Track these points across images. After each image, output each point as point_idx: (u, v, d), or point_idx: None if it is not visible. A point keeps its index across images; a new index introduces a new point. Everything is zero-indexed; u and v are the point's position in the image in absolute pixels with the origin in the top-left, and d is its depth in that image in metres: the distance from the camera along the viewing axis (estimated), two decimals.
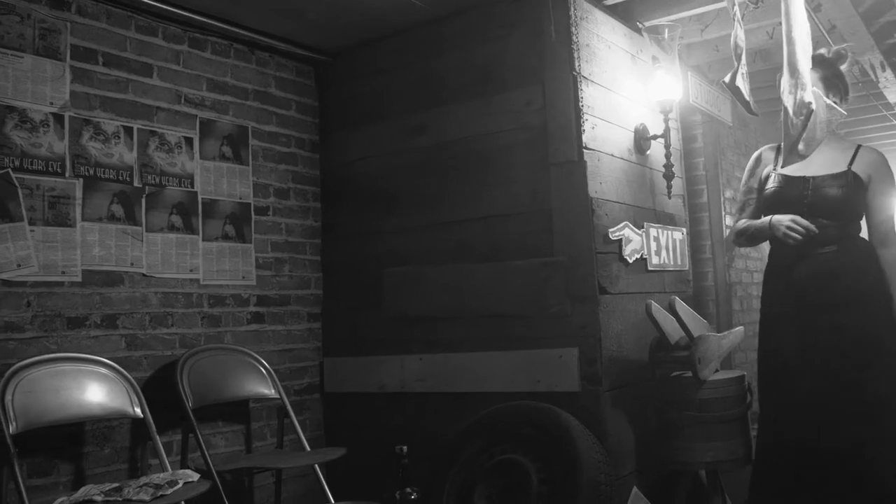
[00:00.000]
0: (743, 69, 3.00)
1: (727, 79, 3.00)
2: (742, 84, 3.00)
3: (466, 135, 3.66)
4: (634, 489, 3.22)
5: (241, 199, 3.75)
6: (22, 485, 2.58)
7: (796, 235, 2.83)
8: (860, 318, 2.80)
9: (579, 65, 3.37)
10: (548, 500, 2.86)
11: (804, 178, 2.94)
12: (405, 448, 2.44)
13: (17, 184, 2.95)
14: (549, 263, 3.34)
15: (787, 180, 2.98)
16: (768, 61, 4.35)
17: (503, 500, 3.01)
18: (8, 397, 2.71)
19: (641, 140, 3.73)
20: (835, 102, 2.98)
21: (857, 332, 2.79)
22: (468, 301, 3.56)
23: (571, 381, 3.25)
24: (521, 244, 3.46)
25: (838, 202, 2.88)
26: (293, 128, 4.07)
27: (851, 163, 2.94)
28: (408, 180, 3.86)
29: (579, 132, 3.32)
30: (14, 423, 2.68)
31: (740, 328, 3.65)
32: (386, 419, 3.79)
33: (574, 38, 3.37)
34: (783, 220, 2.88)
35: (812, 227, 2.82)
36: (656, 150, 3.81)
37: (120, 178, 3.27)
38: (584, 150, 3.31)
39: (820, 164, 2.96)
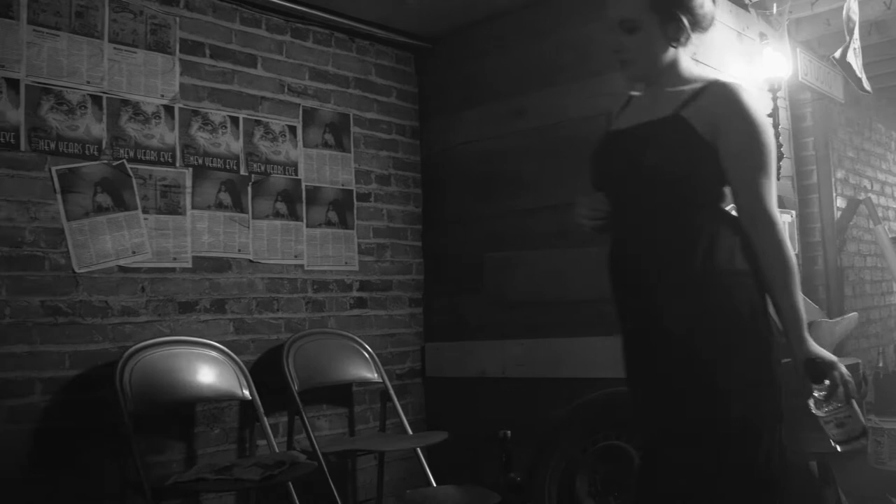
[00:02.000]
0: (855, 44, 2.87)
1: (837, 54, 2.87)
2: (853, 60, 2.86)
3: (567, 117, 3.61)
4: None
5: (343, 185, 3.81)
6: (140, 461, 2.69)
7: (584, 221, 2.12)
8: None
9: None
10: None
11: (619, 132, 2.06)
12: (509, 433, 2.44)
13: (131, 174, 3.06)
14: None
15: (605, 139, 2.13)
16: (885, 34, 4.14)
17: (606, 486, 2.98)
18: (126, 378, 2.82)
19: None
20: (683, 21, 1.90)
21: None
22: (570, 286, 3.52)
23: None
24: None
25: (648, 170, 1.91)
26: (394, 114, 4.10)
27: (685, 105, 1.88)
28: (508, 164, 3.84)
29: None
30: (132, 403, 2.80)
31: (854, 314, 3.50)
32: (486, 404, 3.79)
33: None
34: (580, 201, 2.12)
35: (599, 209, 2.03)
36: None
37: (227, 166, 3.36)
38: None
39: (646, 110, 1.98)
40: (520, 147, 3.80)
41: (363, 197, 3.90)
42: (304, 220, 3.62)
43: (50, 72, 2.88)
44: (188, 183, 3.23)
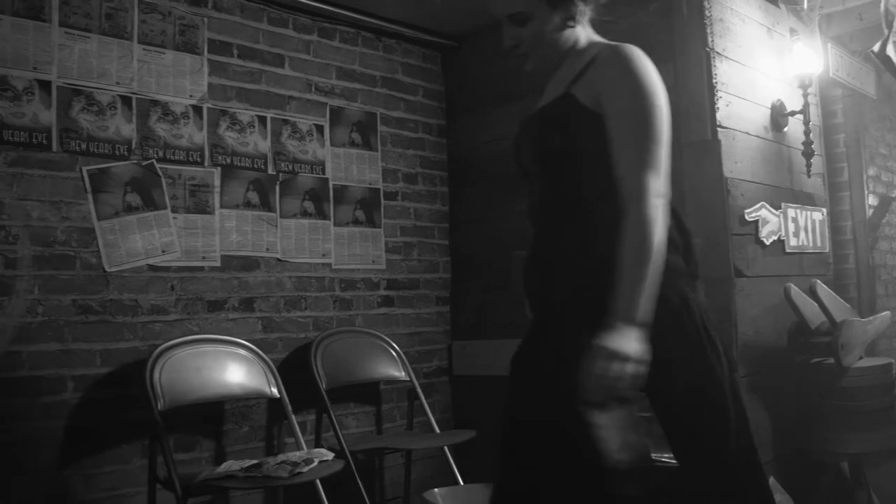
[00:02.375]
0: (895, 37, 2.81)
1: (876, 48, 2.82)
2: (893, 53, 2.80)
3: None
4: (771, 479, 3.11)
5: (370, 184, 3.82)
6: (170, 458, 2.71)
7: None
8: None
9: (712, 40, 3.26)
10: None
11: (526, 118, 1.93)
12: None
13: (160, 173, 3.09)
14: None
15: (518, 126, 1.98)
16: None
17: None
18: (156, 376, 2.85)
19: (778, 117, 3.58)
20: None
21: None
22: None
23: None
24: None
25: (543, 156, 1.81)
26: (420, 113, 4.10)
27: (575, 80, 1.76)
28: None
29: (713, 110, 3.21)
30: (161, 401, 2.82)
31: (886, 313, 3.46)
32: None
33: (707, 12, 3.25)
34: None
35: None
36: (794, 127, 3.65)
37: (255, 165, 3.38)
38: (718, 129, 3.20)
39: (549, 93, 1.88)
40: None
41: (390, 195, 3.91)
42: (332, 219, 3.63)
43: (81, 73, 2.91)
44: (217, 182, 3.25)
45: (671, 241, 1.71)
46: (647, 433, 1.62)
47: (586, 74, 1.74)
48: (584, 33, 1.86)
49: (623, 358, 1.53)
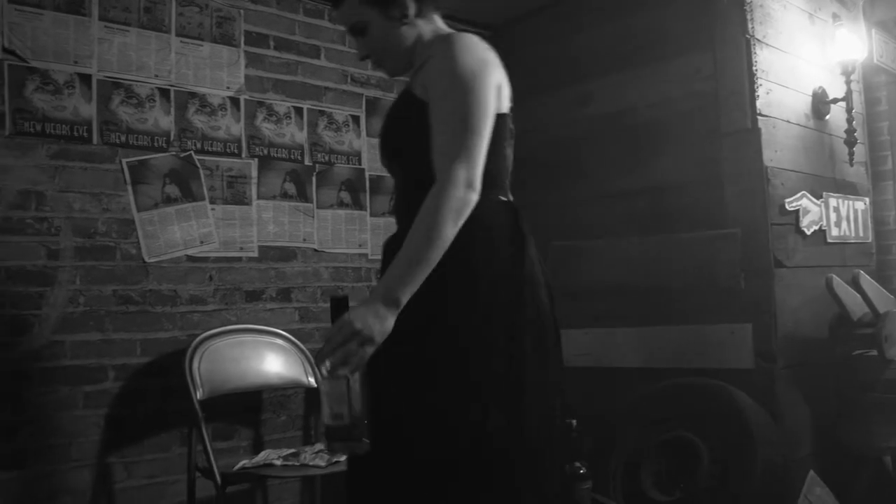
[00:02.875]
0: None
1: None
2: None
3: (632, 104, 3.57)
4: (811, 473, 3.07)
5: None
6: (209, 447, 2.74)
7: None
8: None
9: (752, 27, 3.21)
10: (720, 480, 2.77)
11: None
12: (574, 422, 2.42)
13: (198, 165, 3.12)
14: (721, 236, 3.21)
15: None
16: None
17: (672, 478, 2.94)
18: (195, 366, 2.88)
19: (820, 104, 3.52)
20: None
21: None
22: (634, 275, 3.48)
23: (744, 358, 3.12)
24: (690, 216, 3.35)
25: (388, 153, 1.85)
26: None
27: (415, 75, 1.79)
28: (571, 152, 3.81)
29: (753, 98, 3.17)
30: (200, 390, 2.85)
31: None
32: None
33: None
34: None
35: None
36: (836, 115, 3.58)
37: (291, 157, 3.40)
38: (759, 117, 3.16)
39: None
40: (585, 135, 3.76)
41: None
42: (368, 210, 3.64)
43: (120, 66, 2.94)
44: (254, 173, 3.28)
45: (498, 239, 1.70)
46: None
47: (423, 68, 1.73)
48: (428, 27, 1.86)
49: (364, 338, 1.51)
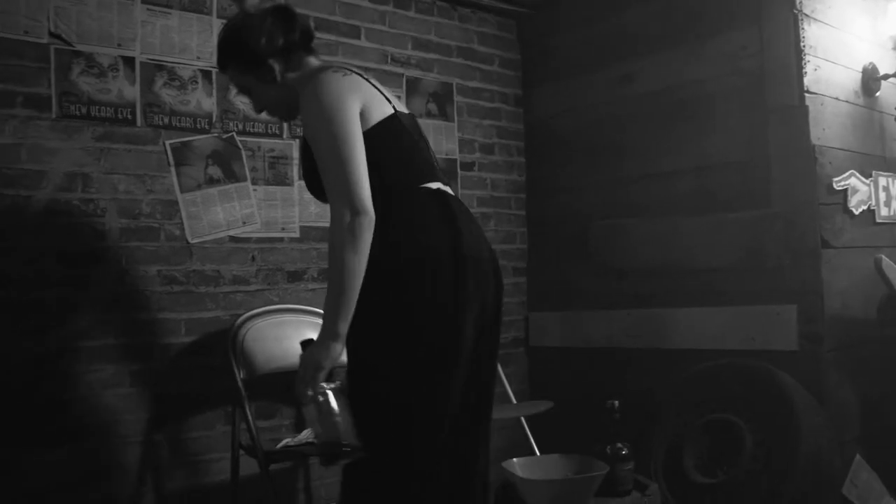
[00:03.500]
0: None
1: None
2: None
3: (676, 83, 3.52)
4: (857, 457, 3.02)
5: (447, 155, 3.81)
6: (252, 425, 2.78)
7: None
8: None
9: (800, 2, 3.14)
10: (763, 463, 2.74)
11: None
12: (617, 402, 2.41)
13: (240, 146, 3.14)
14: (767, 216, 3.16)
15: None
16: None
17: (714, 461, 2.92)
18: (238, 345, 2.91)
19: (870, 81, 3.43)
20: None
21: None
22: (678, 255, 3.44)
23: (789, 340, 3.08)
24: (734, 196, 3.30)
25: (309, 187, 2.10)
26: (496, 83, 4.07)
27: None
28: (614, 132, 3.77)
29: (800, 75, 3.10)
30: (244, 369, 2.88)
31: None
32: (591, 374, 3.77)
33: None
34: None
35: None
36: (887, 92, 3.50)
37: None
38: (806, 94, 3.09)
39: None
40: (627, 113, 3.72)
41: (467, 166, 3.90)
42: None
43: (163, 49, 2.97)
44: (295, 154, 3.29)
45: (425, 224, 1.89)
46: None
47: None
48: (302, 74, 2.04)
49: (318, 367, 1.79)
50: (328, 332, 1.79)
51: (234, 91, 3.08)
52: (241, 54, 2.03)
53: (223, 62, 2.08)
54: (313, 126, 1.87)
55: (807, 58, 3.12)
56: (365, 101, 1.92)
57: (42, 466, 2.64)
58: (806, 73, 3.11)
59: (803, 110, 3.09)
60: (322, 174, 1.85)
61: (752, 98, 3.25)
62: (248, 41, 2.01)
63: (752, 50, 3.26)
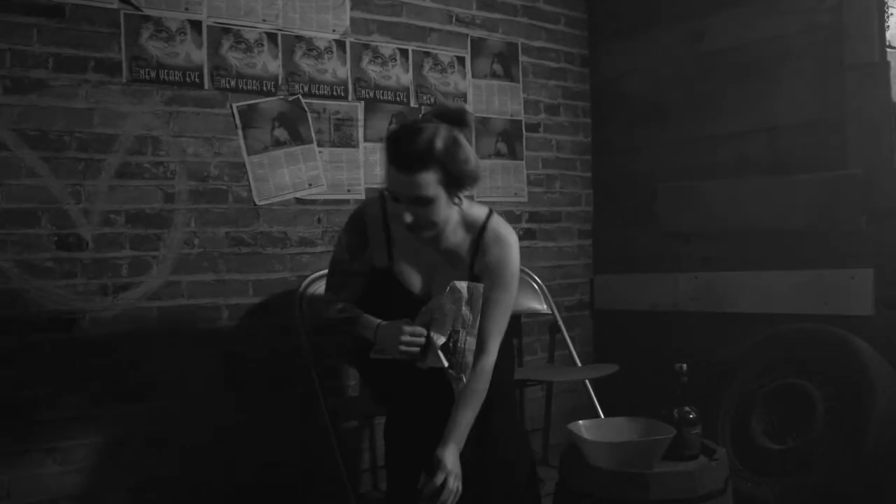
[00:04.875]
0: None
1: None
2: None
3: (749, 39, 3.41)
4: None
5: (512, 116, 3.77)
6: (318, 384, 2.82)
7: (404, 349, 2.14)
8: None
9: None
10: (836, 429, 2.68)
11: (407, 291, 2.34)
12: (685, 366, 2.37)
13: (306, 108, 3.15)
14: (842, 177, 3.07)
15: (383, 276, 2.40)
16: None
17: (784, 426, 2.86)
18: (304, 306, 2.94)
19: None
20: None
21: None
22: (748, 217, 3.37)
23: (864, 305, 3.00)
24: (808, 156, 3.21)
25: None
26: (562, 42, 4.00)
27: (472, 265, 2.32)
28: (682, 91, 3.69)
29: (882, 29, 2.98)
30: (310, 329, 2.91)
31: None
32: (656, 338, 3.73)
33: None
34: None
35: None
36: None
37: (397, 98, 3.40)
38: (887, 50, 2.98)
39: (429, 263, 2.35)
40: (697, 72, 3.63)
41: (532, 127, 3.85)
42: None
43: (229, 12, 2.98)
44: (360, 116, 3.29)
45: None
46: None
47: (481, 259, 2.25)
48: (464, 208, 2.25)
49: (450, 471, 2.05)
50: (459, 440, 2.10)
51: (298, 54, 3.09)
52: (453, 167, 2.06)
53: (427, 165, 2.04)
54: (509, 283, 2.24)
55: (889, 11, 3.00)
56: None
57: (122, 419, 2.74)
58: (888, 27, 2.99)
59: (884, 67, 2.98)
60: (491, 322, 2.20)
61: (828, 55, 3.14)
62: (466, 159, 2.09)
63: (829, 4, 3.14)
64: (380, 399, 2.42)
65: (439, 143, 2.04)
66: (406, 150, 2.04)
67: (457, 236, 2.25)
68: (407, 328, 2.08)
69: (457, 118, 2.12)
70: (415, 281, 2.27)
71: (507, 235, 2.26)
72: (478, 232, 2.25)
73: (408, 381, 2.17)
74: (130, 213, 2.78)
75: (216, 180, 2.95)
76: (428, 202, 2.06)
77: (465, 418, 2.10)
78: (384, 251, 2.28)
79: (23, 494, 2.57)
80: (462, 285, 2.11)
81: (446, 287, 2.12)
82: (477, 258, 2.24)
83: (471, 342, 2.13)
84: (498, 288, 2.21)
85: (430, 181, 2.04)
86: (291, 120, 3.11)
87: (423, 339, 2.09)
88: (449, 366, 2.11)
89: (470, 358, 2.13)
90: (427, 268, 2.27)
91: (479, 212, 2.29)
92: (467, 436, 2.12)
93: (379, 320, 2.17)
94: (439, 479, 2.01)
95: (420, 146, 2.03)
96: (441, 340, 2.09)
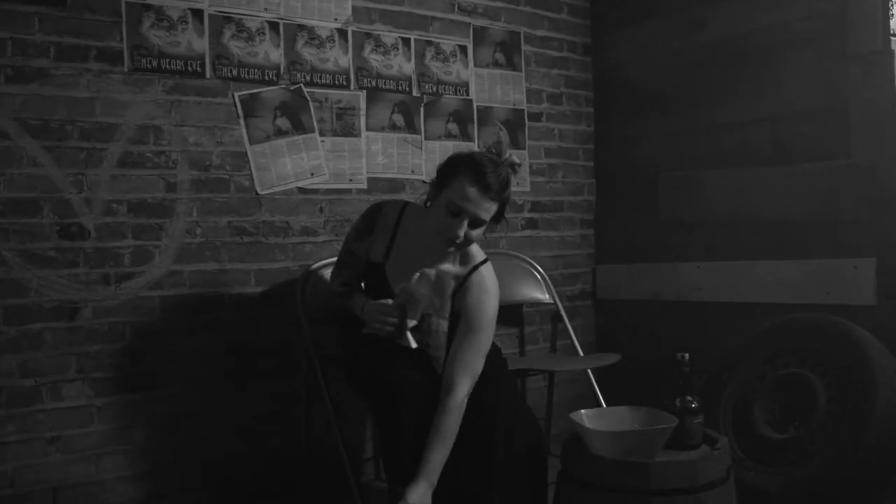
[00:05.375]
0: None
1: None
2: None
3: (751, 28, 3.40)
4: None
5: (514, 105, 3.76)
6: (320, 374, 2.82)
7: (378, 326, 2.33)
8: None
9: None
10: (838, 419, 2.68)
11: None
12: (687, 355, 2.37)
13: (308, 97, 3.15)
14: (845, 166, 3.06)
15: (377, 271, 2.57)
16: None
17: (786, 416, 2.87)
18: (307, 295, 2.94)
19: None
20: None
21: None
22: (750, 207, 3.36)
23: (867, 294, 2.99)
24: (811, 145, 3.20)
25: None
26: (564, 31, 3.99)
27: (453, 296, 2.46)
28: (685, 80, 3.68)
29: (885, 17, 2.97)
30: (311, 318, 2.91)
31: None
32: (659, 327, 3.73)
33: None
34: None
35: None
36: None
37: (399, 88, 3.39)
38: (892, 38, 2.97)
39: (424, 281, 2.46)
40: (699, 61, 3.62)
41: (534, 117, 3.84)
42: (476, 141, 3.61)
43: (230, 1, 2.97)
44: (362, 105, 3.29)
45: None
46: None
47: (462, 295, 2.38)
48: None
49: None
50: (430, 478, 2.17)
51: (300, 42, 3.09)
52: (504, 207, 2.35)
53: (500, 198, 2.30)
54: (483, 327, 2.34)
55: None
56: None
57: (124, 408, 2.74)
58: (893, 14, 2.99)
59: (888, 55, 2.97)
60: (460, 363, 2.28)
61: (831, 43, 3.13)
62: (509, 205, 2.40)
63: None
64: (359, 389, 2.51)
65: (511, 185, 2.32)
66: (494, 180, 2.25)
67: (453, 264, 2.41)
68: (383, 309, 2.27)
69: (512, 166, 2.34)
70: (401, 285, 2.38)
71: (491, 285, 2.40)
72: (469, 270, 2.40)
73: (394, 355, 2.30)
74: (132, 203, 2.78)
75: (218, 170, 2.95)
76: (481, 224, 2.30)
77: (437, 456, 2.18)
78: (384, 247, 2.44)
79: (25, 483, 2.58)
80: (430, 271, 2.28)
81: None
82: (458, 294, 2.39)
83: (443, 324, 2.34)
84: (471, 331, 2.33)
85: (493, 210, 2.29)
86: (293, 109, 3.11)
87: (395, 321, 2.25)
88: (424, 346, 2.31)
89: (443, 340, 2.36)
90: None
91: (478, 253, 2.45)
92: (465, 406, 2.25)
93: (368, 299, 2.37)
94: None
95: (503, 180, 2.28)
96: (412, 323, 2.25)
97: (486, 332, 2.35)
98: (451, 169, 2.30)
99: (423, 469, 2.16)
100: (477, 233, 2.31)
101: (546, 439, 3.69)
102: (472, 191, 2.23)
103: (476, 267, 2.40)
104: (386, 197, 3.31)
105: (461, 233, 2.26)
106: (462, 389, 2.24)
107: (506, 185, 2.29)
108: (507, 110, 3.73)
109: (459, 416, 2.22)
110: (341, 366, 2.62)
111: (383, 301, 2.30)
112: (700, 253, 3.59)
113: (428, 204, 2.38)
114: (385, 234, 2.44)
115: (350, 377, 2.56)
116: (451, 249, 2.32)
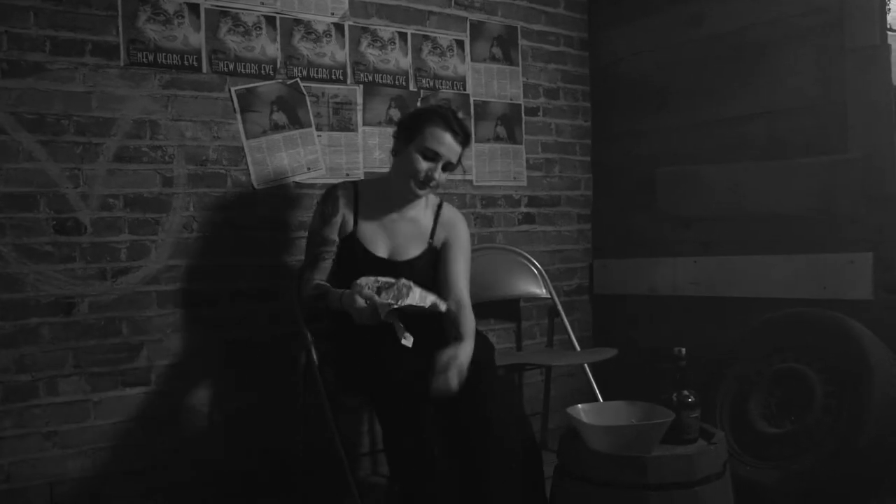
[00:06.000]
0: None
1: None
2: None
3: (748, 22, 3.40)
4: None
5: (511, 100, 3.76)
6: (317, 369, 2.81)
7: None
8: None
9: None
10: (834, 414, 2.69)
11: (373, 255, 2.71)
12: (683, 350, 2.37)
13: (304, 92, 3.14)
14: (842, 161, 3.06)
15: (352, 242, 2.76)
16: None
17: (782, 411, 2.87)
18: (302, 290, 2.92)
19: None
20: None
21: None
22: (747, 202, 3.37)
23: (864, 289, 3.00)
24: (807, 140, 3.20)
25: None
26: (562, 26, 3.98)
27: (432, 236, 2.74)
28: (682, 75, 3.67)
29: (882, 12, 2.96)
30: (308, 314, 2.91)
31: None
32: (656, 322, 3.73)
33: None
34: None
35: None
36: None
37: (396, 82, 3.39)
38: (889, 33, 2.97)
39: (397, 231, 2.77)
40: (696, 56, 3.61)
41: (531, 111, 3.84)
42: (473, 135, 3.61)
43: None
44: (359, 100, 3.28)
45: None
46: None
47: (437, 232, 2.70)
48: None
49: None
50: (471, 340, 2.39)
51: (297, 37, 3.08)
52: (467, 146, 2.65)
53: (467, 143, 2.62)
54: (467, 248, 2.73)
55: None
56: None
57: (121, 403, 2.75)
58: (889, 9, 2.98)
59: (885, 50, 2.96)
60: (459, 265, 2.66)
61: (828, 38, 3.13)
62: None
63: None
64: (354, 384, 2.57)
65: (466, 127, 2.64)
66: (463, 126, 2.58)
67: (418, 209, 2.69)
68: (357, 296, 2.35)
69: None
70: (380, 245, 2.63)
71: (460, 215, 2.79)
72: (435, 209, 2.73)
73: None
74: (129, 197, 2.77)
75: (215, 164, 2.94)
76: (451, 167, 2.59)
77: (471, 329, 2.46)
78: (350, 218, 2.64)
79: (22, 478, 2.58)
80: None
81: (408, 248, 2.62)
82: (437, 228, 2.70)
83: (422, 296, 2.38)
84: (461, 249, 2.69)
85: (459, 154, 2.59)
86: (290, 104, 3.10)
87: (369, 294, 2.34)
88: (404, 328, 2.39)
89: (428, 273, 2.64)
90: (391, 233, 2.65)
91: (435, 196, 2.77)
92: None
93: (343, 291, 2.43)
94: (449, 353, 2.26)
95: (466, 126, 2.62)
96: (389, 304, 2.31)
97: (469, 250, 2.74)
98: (420, 120, 2.56)
99: (465, 334, 2.40)
100: (444, 176, 2.59)
101: (543, 434, 3.70)
102: (446, 136, 2.53)
103: (440, 204, 2.76)
104: None
105: (437, 175, 2.55)
106: (467, 292, 2.61)
107: (470, 132, 2.65)
108: (503, 105, 3.73)
109: (472, 313, 2.54)
110: (336, 361, 2.64)
111: (355, 286, 2.39)
112: (697, 248, 3.59)
113: (395, 155, 2.63)
114: (348, 207, 2.65)
115: (345, 373, 2.57)
116: (425, 192, 2.59)
